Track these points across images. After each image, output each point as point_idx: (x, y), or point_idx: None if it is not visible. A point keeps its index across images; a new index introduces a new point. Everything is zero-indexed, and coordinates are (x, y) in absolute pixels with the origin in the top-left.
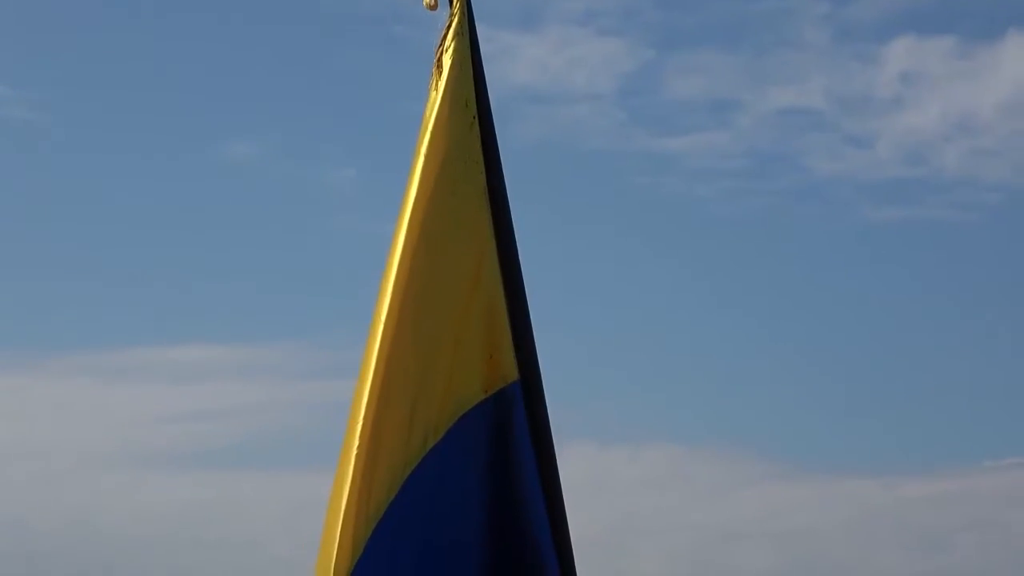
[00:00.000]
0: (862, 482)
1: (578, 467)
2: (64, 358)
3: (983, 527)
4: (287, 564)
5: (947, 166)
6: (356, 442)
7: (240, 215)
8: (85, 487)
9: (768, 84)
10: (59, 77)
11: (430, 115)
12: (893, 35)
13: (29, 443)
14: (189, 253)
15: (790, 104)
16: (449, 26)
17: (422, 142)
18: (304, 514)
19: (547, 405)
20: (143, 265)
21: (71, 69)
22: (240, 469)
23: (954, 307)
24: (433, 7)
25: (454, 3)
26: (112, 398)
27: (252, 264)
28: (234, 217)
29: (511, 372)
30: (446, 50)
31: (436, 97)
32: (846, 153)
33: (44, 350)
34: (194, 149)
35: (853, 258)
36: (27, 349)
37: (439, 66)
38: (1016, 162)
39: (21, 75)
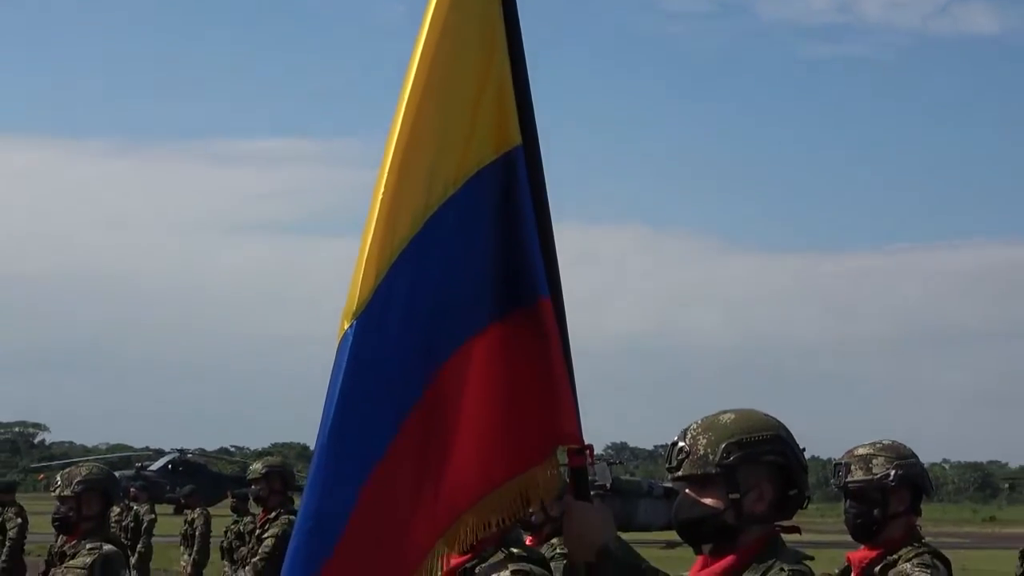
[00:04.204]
0: (790, 259)
1: (567, 242)
2: (169, 144)
3: (882, 299)
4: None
5: (869, 14)
6: (382, 190)
7: (322, 41)
8: (182, 249)
9: None
10: None
11: None
12: None
13: (138, 213)
14: (274, 65)
15: None
16: None
17: None
18: None
19: (544, 171)
20: (246, 75)
21: None
22: (311, 237)
23: (868, 123)
24: None
25: None
26: (207, 179)
27: (321, 79)
28: (316, 42)
29: (516, 138)
30: None
31: None
32: (789, 1)
33: (156, 137)
34: None
35: (792, 85)
36: (141, 135)
37: None
38: (924, 12)
39: None
